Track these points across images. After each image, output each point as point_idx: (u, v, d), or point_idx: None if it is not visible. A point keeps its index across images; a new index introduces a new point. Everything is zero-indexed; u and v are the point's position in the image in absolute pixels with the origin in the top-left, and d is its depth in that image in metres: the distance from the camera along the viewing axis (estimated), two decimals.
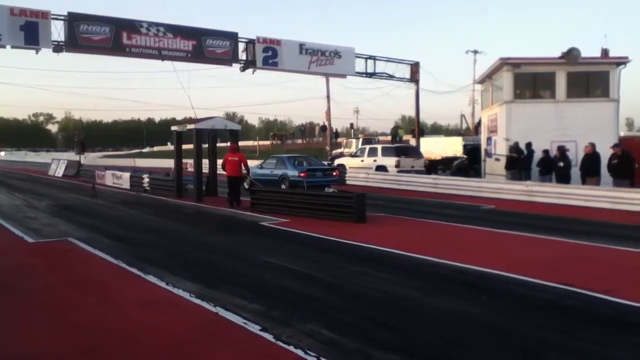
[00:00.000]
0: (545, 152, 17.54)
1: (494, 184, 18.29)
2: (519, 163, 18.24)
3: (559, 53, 19.50)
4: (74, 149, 55.48)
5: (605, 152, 15.66)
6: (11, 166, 50.22)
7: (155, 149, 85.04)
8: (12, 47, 18.41)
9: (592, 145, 15.94)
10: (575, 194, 15.32)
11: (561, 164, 16.64)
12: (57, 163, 34.65)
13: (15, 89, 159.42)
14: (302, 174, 18.20)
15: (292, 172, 18.64)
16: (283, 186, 18.34)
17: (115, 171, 24.74)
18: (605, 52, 19.84)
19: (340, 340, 4.66)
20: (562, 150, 16.84)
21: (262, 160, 22.22)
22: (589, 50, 19.94)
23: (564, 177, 16.52)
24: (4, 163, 60.64)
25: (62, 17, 19.06)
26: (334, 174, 20.25)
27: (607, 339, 4.80)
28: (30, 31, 18.30)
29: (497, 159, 20.61)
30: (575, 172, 16.51)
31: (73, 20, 19.15)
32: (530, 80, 20.66)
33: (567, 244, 9.44)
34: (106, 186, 23.02)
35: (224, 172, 16.11)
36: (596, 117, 18.59)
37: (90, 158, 52.42)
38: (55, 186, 24.41)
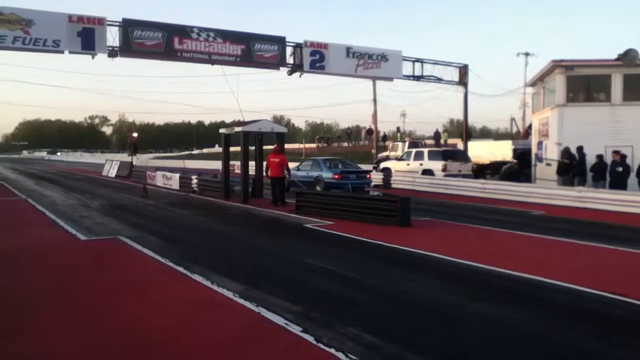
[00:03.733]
0: (599, 157, 16.95)
1: (545, 190, 17.79)
2: (571, 169, 17.70)
3: (615, 55, 18.84)
4: (127, 150, 57.16)
5: None
6: (68, 167, 52.25)
7: (205, 151, 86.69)
8: (70, 52, 19.22)
9: None
10: (631, 201, 14.73)
11: (620, 169, 16.02)
12: (111, 164, 35.77)
13: (73, 93, 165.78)
14: (336, 176, 18.77)
15: (326, 174, 19.10)
16: (318, 187, 18.78)
17: (165, 172, 25.34)
18: None
19: (381, 345, 4.63)
20: (622, 155, 16.21)
21: (298, 163, 22.45)
22: None
23: (620, 183, 15.89)
24: (62, 163, 63.13)
25: (117, 24, 19.78)
26: (368, 176, 20.77)
27: None
28: (87, 37, 19.08)
29: (548, 164, 20.06)
30: (632, 178, 15.88)
31: (127, 26, 19.84)
32: (584, 83, 20.04)
33: (620, 252, 9.10)
34: (156, 186, 23.62)
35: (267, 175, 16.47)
36: None
37: (142, 159, 53.90)
38: (109, 186, 25.22)
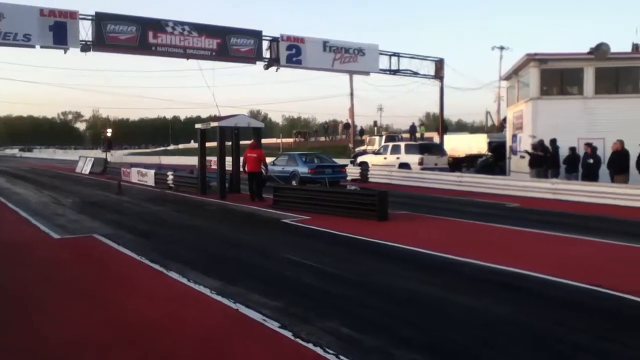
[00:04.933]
0: (572, 149, 17.24)
1: (519, 182, 18.04)
2: (546, 161, 17.93)
3: (587, 48, 19.13)
4: (101, 146, 56.36)
5: (634, 149, 15.32)
6: (40, 163, 51.26)
7: (181, 146, 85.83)
8: (42, 47, 18.81)
9: (621, 142, 15.62)
10: (603, 192, 15.02)
11: (591, 160, 16.31)
12: (85, 160, 35.19)
13: (45, 88, 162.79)
14: (312, 171, 18.86)
15: (302, 169, 19.23)
16: (294, 182, 18.83)
17: (140, 168, 25.03)
18: (636, 47, 19.45)
19: (360, 338, 4.63)
20: (592, 147, 16.50)
21: (274, 158, 22.38)
22: (619, 45, 19.53)
23: (592, 175, 16.20)
24: (34, 160, 61.93)
25: (90, 17, 19.41)
26: (343, 170, 20.87)
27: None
28: (59, 31, 18.68)
29: (522, 156, 20.34)
30: (603, 169, 16.19)
31: (100, 20, 19.48)
32: (557, 77, 20.36)
33: (595, 243, 9.26)
34: (132, 183, 23.32)
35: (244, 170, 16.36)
36: (626, 114, 18.19)
37: (116, 155, 53.16)
38: (82, 183, 24.80)
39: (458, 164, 25.36)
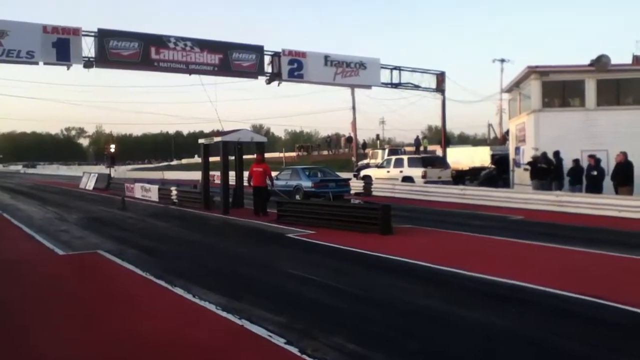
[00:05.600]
0: (576, 161, 17.19)
1: (523, 194, 17.98)
2: (550, 173, 17.87)
3: (588, 60, 19.18)
4: (105, 162, 56.52)
5: (638, 161, 15.30)
6: (44, 179, 51.39)
7: (184, 161, 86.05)
8: (45, 63, 18.92)
9: (624, 153, 15.59)
10: (607, 204, 14.95)
11: (595, 172, 16.26)
12: (88, 176, 35.27)
13: (48, 104, 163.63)
14: (315, 185, 18.95)
15: (305, 183, 19.26)
16: (297, 197, 18.85)
17: (144, 184, 25.06)
18: (636, 59, 19.45)
19: (365, 353, 4.61)
20: (596, 158, 16.46)
21: (278, 172, 22.40)
22: (619, 57, 19.61)
23: (596, 187, 16.14)
24: (38, 177, 62.09)
25: (93, 34, 19.54)
26: (346, 184, 20.89)
27: None
28: (62, 48, 18.78)
29: (525, 169, 20.31)
30: (607, 181, 16.14)
31: (103, 36, 19.61)
32: (559, 89, 20.37)
33: (599, 255, 9.21)
34: (135, 199, 23.33)
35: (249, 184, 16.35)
36: (628, 125, 18.18)
37: (120, 171, 53.25)
38: (86, 199, 24.86)
39: (461, 177, 25.34)
